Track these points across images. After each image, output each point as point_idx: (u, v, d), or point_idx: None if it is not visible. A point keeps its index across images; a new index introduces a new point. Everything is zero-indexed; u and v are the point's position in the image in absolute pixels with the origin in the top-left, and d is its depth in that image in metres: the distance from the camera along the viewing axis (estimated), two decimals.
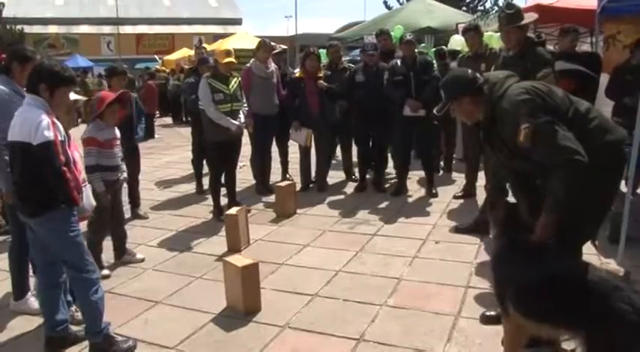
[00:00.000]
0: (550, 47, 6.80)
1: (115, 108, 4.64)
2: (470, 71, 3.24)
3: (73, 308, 3.80)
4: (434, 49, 9.72)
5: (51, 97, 3.24)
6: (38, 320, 3.76)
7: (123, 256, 5.07)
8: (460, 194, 6.92)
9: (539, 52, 4.70)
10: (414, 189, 7.34)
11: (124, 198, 6.42)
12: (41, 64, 3.36)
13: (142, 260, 5.10)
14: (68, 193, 3.18)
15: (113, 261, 5.05)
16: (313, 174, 7.79)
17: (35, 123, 3.08)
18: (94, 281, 3.39)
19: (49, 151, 3.09)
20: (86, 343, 3.46)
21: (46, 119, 3.12)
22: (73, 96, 3.72)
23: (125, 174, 5.00)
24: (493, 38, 8.12)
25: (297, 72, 7.88)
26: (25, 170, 3.21)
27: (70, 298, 3.71)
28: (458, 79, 3.18)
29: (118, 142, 4.78)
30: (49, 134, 3.09)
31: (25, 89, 3.41)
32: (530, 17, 4.95)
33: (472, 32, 6.42)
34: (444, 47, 9.43)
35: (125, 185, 6.38)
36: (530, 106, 2.83)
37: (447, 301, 4.01)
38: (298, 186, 7.36)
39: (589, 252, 4.82)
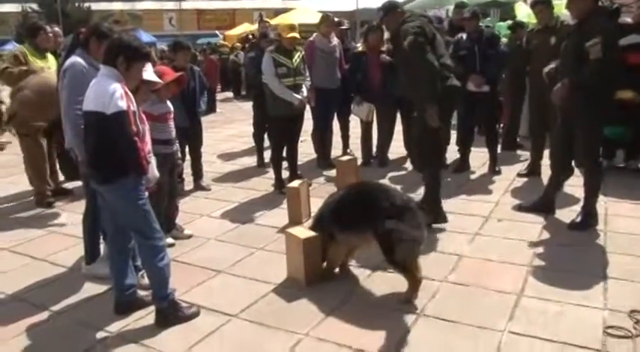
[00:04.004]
0: (628, 19, 6.49)
1: (170, 87, 4.65)
2: None
3: (140, 273, 3.93)
4: (504, 24, 9.43)
5: (127, 71, 3.33)
6: (108, 284, 3.91)
7: (171, 231, 4.94)
8: (525, 172, 6.74)
9: (596, 22, 4.48)
10: (477, 166, 7.20)
11: (187, 170, 6.60)
12: (121, 38, 3.46)
13: (190, 236, 5.05)
14: (138, 162, 3.27)
15: None
16: (374, 149, 7.75)
17: (109, 93, 3.17)
18: (161, 249, 3.49)
19: (122, 120, 3.18)
20: (152, 307, 3.57)
21: (119, 89, 3.20)
22: (149, 75, 3.81)
23: (179, 153, 5.03)
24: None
25: (359, 46, 7.81)
26: (98, 139, 3.30)
27: (137, 263, 3.84)
28: None
29: (172, 116, 4.78)
30: (123, 104, 3.18)
31: (100, 63, 3.51)
32: None
33: (541, 5, 6.20)
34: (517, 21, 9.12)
35: (188, 157, 6.55)
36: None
37: (509, 279, 3.94)
38: (359, 161, 7.34)
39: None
